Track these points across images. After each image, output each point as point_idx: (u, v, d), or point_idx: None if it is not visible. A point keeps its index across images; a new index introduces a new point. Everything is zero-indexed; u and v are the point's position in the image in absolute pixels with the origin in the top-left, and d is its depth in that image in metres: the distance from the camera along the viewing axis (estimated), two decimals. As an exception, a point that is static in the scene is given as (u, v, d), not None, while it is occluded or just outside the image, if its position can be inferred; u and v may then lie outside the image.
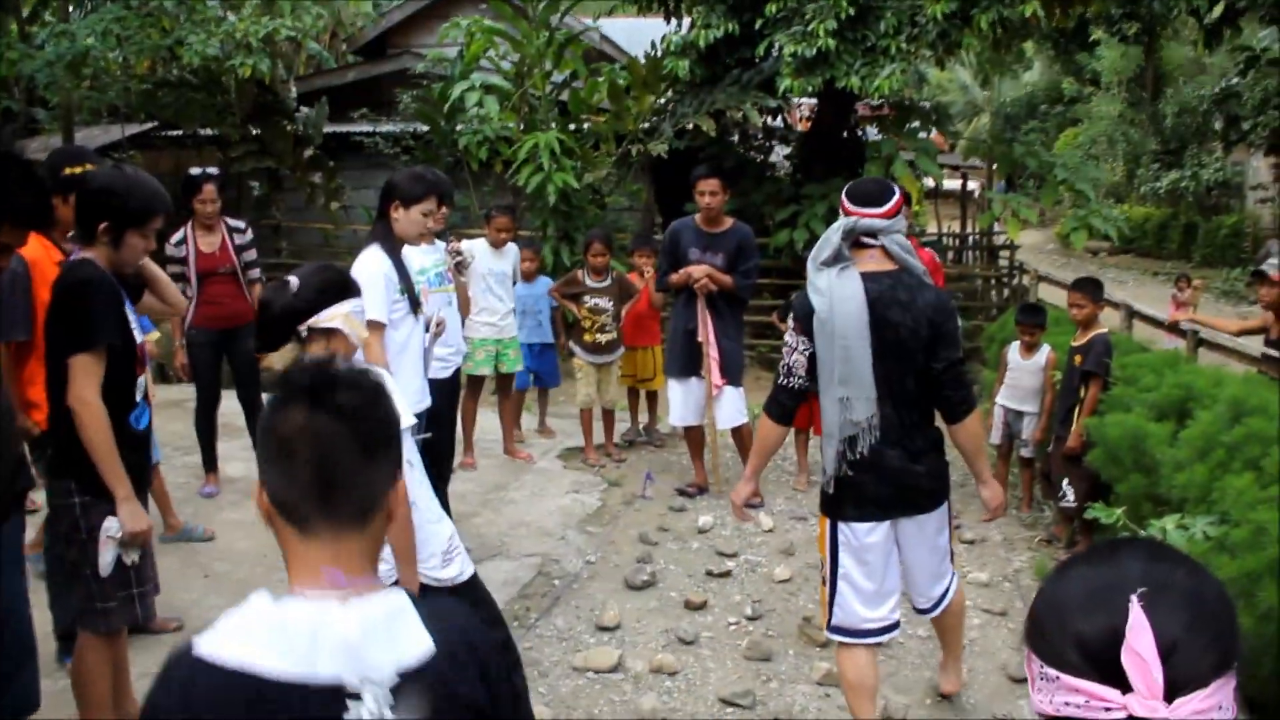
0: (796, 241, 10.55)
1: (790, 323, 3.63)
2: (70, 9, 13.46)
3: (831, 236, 3.52)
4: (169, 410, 7.61)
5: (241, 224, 6.40)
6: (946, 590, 3.88)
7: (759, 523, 6.20)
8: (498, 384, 7.46)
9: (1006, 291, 11.39)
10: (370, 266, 4.52)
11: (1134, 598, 1.17)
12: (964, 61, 38.79)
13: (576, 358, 7.54)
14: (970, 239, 13.48)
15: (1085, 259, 24.63)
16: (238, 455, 6.97)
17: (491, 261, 7.11)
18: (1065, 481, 6.12)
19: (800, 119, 12.75)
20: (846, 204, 3.56)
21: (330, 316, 2.98)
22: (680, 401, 6.82)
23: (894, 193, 3.57)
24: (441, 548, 3.20)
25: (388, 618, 1.45)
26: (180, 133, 13.05)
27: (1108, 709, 1.15)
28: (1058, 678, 1.18)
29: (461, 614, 1.61)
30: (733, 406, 6.72)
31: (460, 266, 5.64)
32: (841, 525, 3.60)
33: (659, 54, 10.61)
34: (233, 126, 11.93)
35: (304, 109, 12.47)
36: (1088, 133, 26.35)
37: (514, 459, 7.49)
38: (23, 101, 16.31)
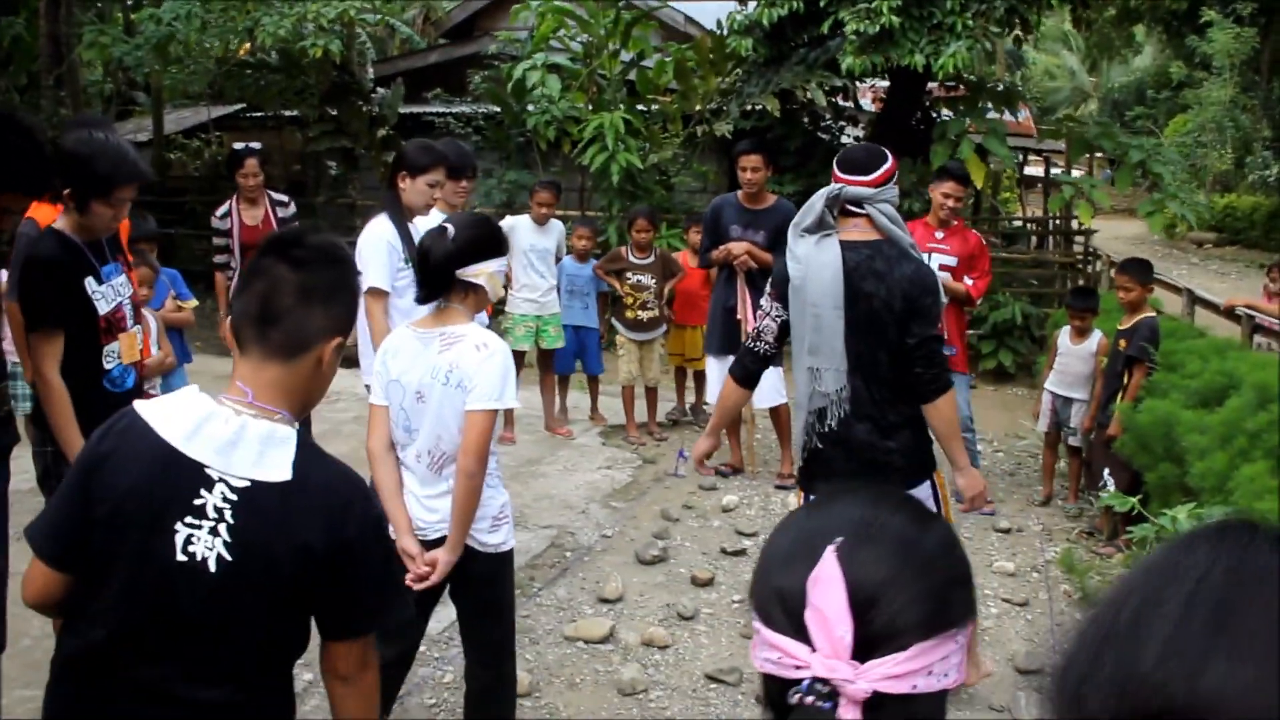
0: (864, 224, 10.34)
1: (767, 288, 3.57)
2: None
3: (815, 203, 3.44)
4: (219, 383, 7.87)
5: (285, 197, 6.56)
6: None
7: (786, 502, 6.14)
8: (539, 360, 7.50)
9: (1081, 279, 11.02)
10: (375, 235, 4.59)
11: (831, 546, 1.06)
12: (1073, 46, 37.76)
13: (619, 334, 7.53)
14: (1051, 224, 13.03)
15: (1189, 250, 23.73)
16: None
17: (534, 237, 7.15)
18: (1106, 471, 5.91)
19: (874, 99, 12.49)
20: (836, 171, 3.49)
21: (477, 272, 3.03)
22: (718, 379, 6.75)
23: (884, 161, 3.47)
24: (493, 512, 3.18)
25: (264, 439, 1.83)
26: (263, 114, 13.39)
27: (797, 667, 1.03)
28: (760, 631, 1.08)
29: (347, 482, 1.90)
30: (770, 386, 6.62)
31: None
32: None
33: (724, 33, 10.52)
34: (310, 107, 12.21)
35: (381, 90, 12.70)
36: (1196, 119, 25.26)
37: (554, 435, 7.53)
38: (123, 85, 16.94)
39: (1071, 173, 14.00)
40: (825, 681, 1.00)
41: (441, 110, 12.78)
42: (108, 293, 3.48)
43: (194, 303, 6.14)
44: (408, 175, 4.65)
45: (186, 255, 11.70)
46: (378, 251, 4.56)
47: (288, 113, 12.95)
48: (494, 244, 3.11)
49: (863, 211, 3.42)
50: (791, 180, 11.11)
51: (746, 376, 3.63)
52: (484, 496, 3.08)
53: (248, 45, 12.79)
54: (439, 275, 3.02)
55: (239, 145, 6.45)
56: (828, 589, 1.02)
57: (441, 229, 3.06)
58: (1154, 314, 6.03)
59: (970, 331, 10.64)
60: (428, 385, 3.01)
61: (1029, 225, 14.28)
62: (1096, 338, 6.50)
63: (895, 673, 1.00)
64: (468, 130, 12.36)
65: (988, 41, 9.18)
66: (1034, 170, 22.25)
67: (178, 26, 11.27)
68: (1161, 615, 0.67)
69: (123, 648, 1.79)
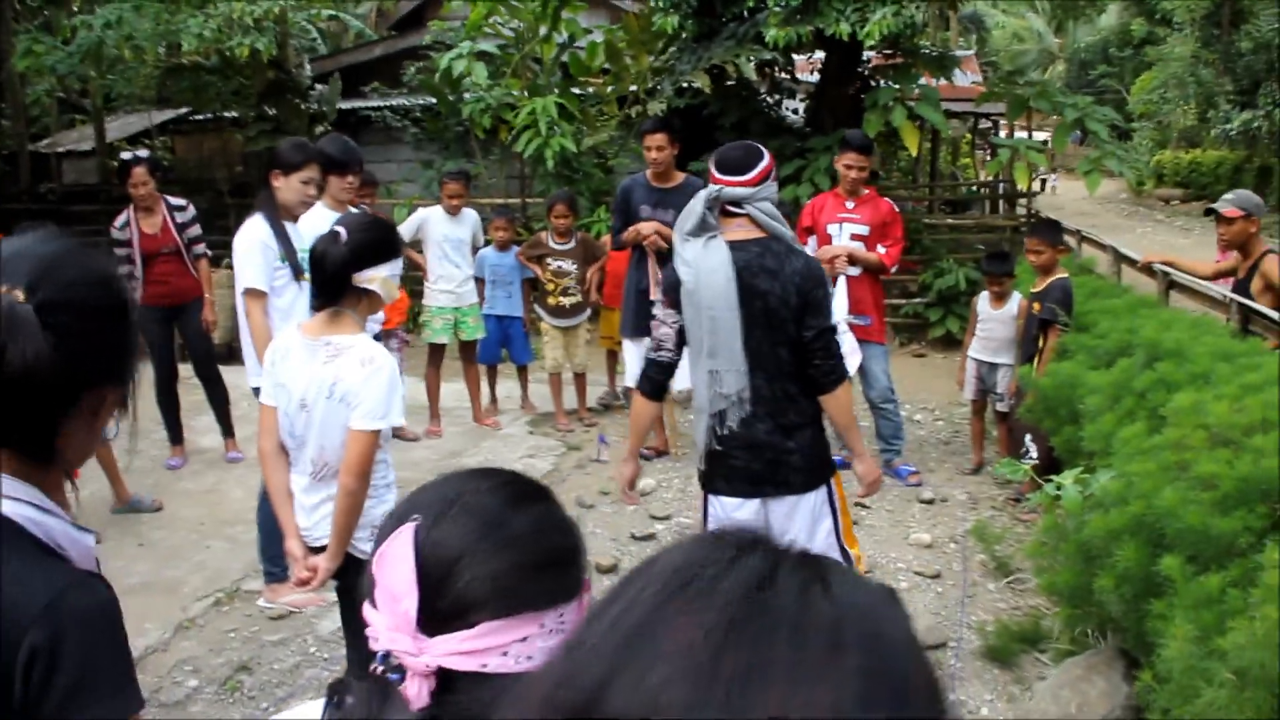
0: (801, 197, 10.23)
1: (659, 296, 3.53)
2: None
3: (695, 206, 3.41)
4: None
5: (182, 202, 6.49)
6: None
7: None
8: (461, 352, 7.43)
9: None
10: (250, 235, 4.55)
11: (410, 523, 1.07)
12: (1037, 8, 37.65)
13: (542, 321, 7.46)
14: (1001, 188, 12.94)
15: (1155, 206, 23.69)
16: (210, 428, 7.05)
17: (447, 228, 7.06)
18: (1028, 437, 5.85)
19: (812, 70, 12.38)
20: (713, 172, 3.45)
21: (371, 278, 2.99)
22: (635, 362, 6.70)
23: (761, 159, 3.43)
24: (374, 521, 3.13)
25: None
26: (205, 116, 13.26)
27: (374, 639, 1.05)
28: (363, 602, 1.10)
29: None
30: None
31: None
32: (712, 498, 3.52)
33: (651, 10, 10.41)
34: (248, 107, 12.09)
35: (319, 86, 12.58)
36: (1160, 76, 25.21)
37: (482, 426, 7.46)
38: (74, 94, 16.77)
39: (1014, 135, 13.88)
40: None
41: (379, 104, 12.67)
42: None
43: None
44: (281, 173, 4.59)
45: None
46: (253, 252, 4.51)
47: (228, 114, 12.82)
48: (388, 247, 3.08)
49: (743, 211, 3.40)
50: (730, 157, 11.03)
51: (655, 390, 3.59)
52: (366, 506, 3.06)
53: (184, 48, 12.65)
54: (334, 281, 2.98)
55: (125, 154, 6.39)
56: (394, 564, 1.04)
57: (334, 233, 3.00)
58: (1065, 275, 5.97)
59: (917, 300, 10.61)
60: (312, 397, 3.00)
61: (982, 190, 14.20)
62: (1016, 300, 6.43)
63: (461, 649, 1.00)
64: (405, 122, 12.27)
65: (914, 7, 9.08)
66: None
67: (108, 34, 11.14)
68: (599, 618, 0.62)
69: None
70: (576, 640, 0.62)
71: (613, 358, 7.98)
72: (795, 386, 3.42)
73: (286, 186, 4.58)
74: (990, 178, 12.69)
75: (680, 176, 6.55)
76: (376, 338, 5.58)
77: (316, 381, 2.98)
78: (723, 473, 3.45)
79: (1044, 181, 30.77)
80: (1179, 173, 25.14)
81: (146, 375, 5.99)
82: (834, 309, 6.29)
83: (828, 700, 0.52)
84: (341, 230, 3.01)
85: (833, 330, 3.47)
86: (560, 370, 7.44)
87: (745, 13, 9.86)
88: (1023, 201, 11.99)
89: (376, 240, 3.05)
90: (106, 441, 5.06)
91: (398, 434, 7.13)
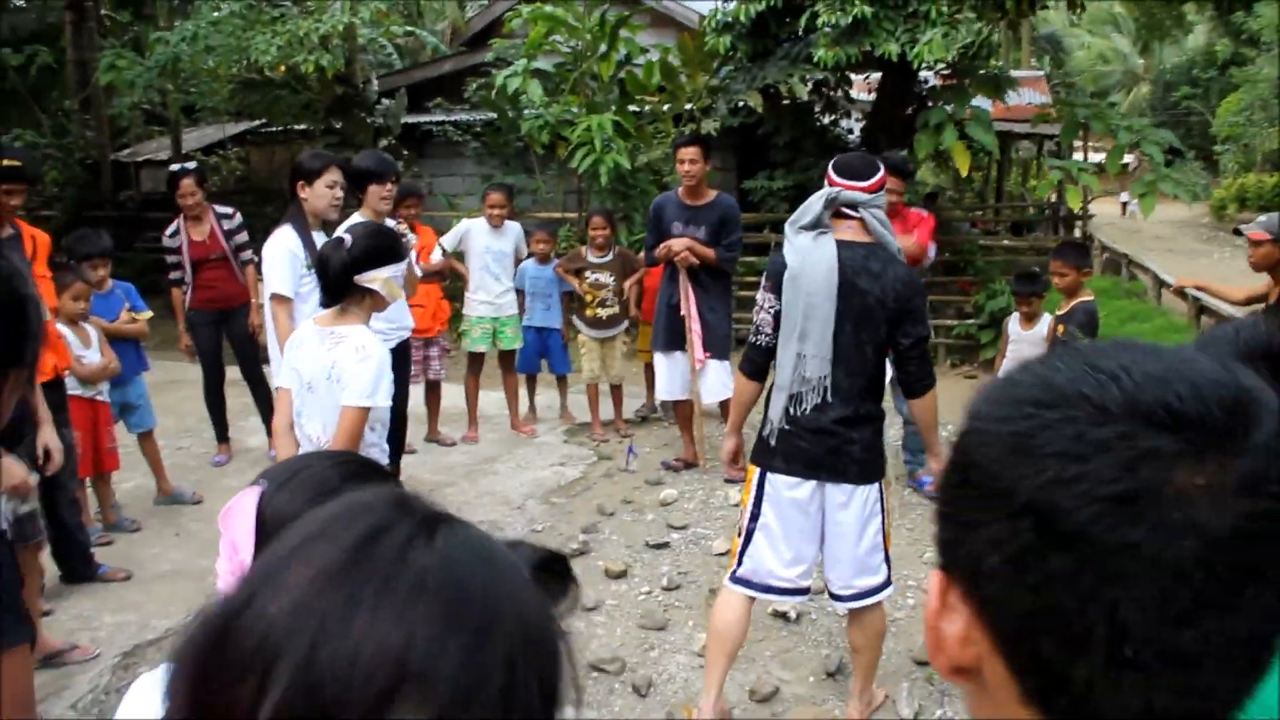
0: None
1: (763, 280, 3.71)
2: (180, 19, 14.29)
3: (814, 204, 3.59)
4: (175, 388, 8.22)
5: (230, 210, 6.75)
6: (873, 591, 3.73)
7: (728, 497, 6.16)
8: (500, 361, 7.60)
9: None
10: (278, 244, 4.76)
11: (257, 485, 1.26)
12: (1123, 29, 36.98)
13: (580, 333, 7.61)
14: (1062, 210, 12.80)
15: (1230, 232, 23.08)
16: (258, 428, 7.32)
17: (489, 240, 7.25)
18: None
19: (869, 90, 12.40)
20: (832, 175, 3.62)
21: (373, 278, 3.36)
22: (666, 376, 6.82)
23: (878, 170, 3.62)
24: None
25: None
26: (276, 129, 13.71)
27: (218, 584, 1.24)
28: None
29: None
30: (718, 380, 6.66)
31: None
32: (770, 475, 3.65)
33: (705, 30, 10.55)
34: (316, 121, 12.48)
35: (386, 101, 12.93)
36: (1247, 98, 24.63)
37: (519, 434, 7.62)
38: (158, 106, 17.41)
39: (1075, 156, 13.72)
40: None
41: (441, 119, 12.97)
42: None
43: (148, 314, 6.34)
44: (304, 183, 4.81)
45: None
46: (280, 260, 4.72)
47: (298, 126, 13.24)
48: (389, 252, 3.45)
49: (856, 215, 3.57)
50: (783, 175, 11.11)
51: (756, 371, 3.79)
52: None
53: (257, 63, 13.11)
54: (337, 282, 3.35)
55: (174, 167, 6.68)
56: (238, 520, 1.20)
57: (339, 239, 3.40)
58: (1090, 298, 5.93)
59: (970, 321, 10.55)
60: (317, 379, 3.35)
61: (1046, 212, 14.05)
62: (1046, 322, 6.40)
63: None
64: (466, 138, 12.54)
65: (965, 29, 9.09)
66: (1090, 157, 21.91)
67: (184, 49, 11.62)
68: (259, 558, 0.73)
69: None
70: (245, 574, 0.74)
71: (651, 371, 8.07)
72: (870, 385, 3.60)
73: (313, 194, 4.80)
74: (1045, 199, 12.54)
75: (712, 194, 6.65)
76: (408, 344, 5.80)
77: (320, 365, 3.34)
78: (783, 450, 3.60)
79: (1124, 205, 30.20)
80: (1262, 196, 24.51)
81: (196, 376, 6.28)
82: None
83: (398, 636, 0.62)
84: (346, 237, 3.41)
85: (927, 339, 3.66)
86: (597, 381, 7.57)
87: (799, 33, 9.94)
88: (1079, 224, 11.84)
89: (378, 246, 3.42)
90: (150, 433, 5.35)
91: (435, 439, 7.35)
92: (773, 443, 3.62)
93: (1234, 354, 1.20)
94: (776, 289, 3.60)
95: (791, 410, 3.56)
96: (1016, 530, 0.66)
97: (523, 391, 7.91)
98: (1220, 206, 24.73)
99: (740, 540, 3.72)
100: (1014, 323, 6.54)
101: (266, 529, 1.20)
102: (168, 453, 6.70)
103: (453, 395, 7.67)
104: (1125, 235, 22.19)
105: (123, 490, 6.18)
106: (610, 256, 7.52)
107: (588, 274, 7.51)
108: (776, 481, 3.62)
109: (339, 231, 4.89)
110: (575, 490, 6.44)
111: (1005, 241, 11.56)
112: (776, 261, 3.63)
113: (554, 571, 0.80)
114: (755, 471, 3.69)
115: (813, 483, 3.58)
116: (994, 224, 13.52)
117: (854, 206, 3.55)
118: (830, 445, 3.54)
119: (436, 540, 0.69)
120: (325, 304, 3.45)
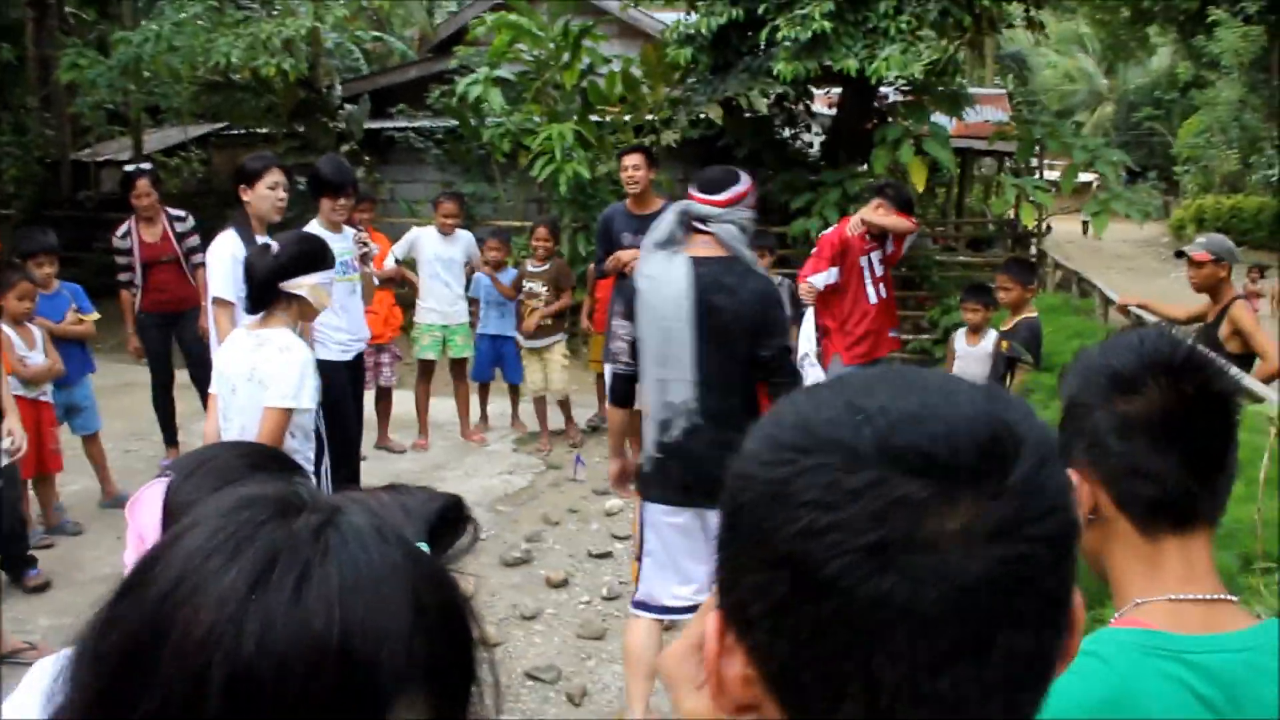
0: (812, 231, 10.36)
1: (616, 307, 3.69)
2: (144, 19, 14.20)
3: (668, 217, 3.56)
4: (122, 390, 8.17)
5: (182, 213, 6.74)
6: None
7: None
8: (451, 369, 7.60)
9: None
10: (221, 248, 4.77)
11: (164, 478, 1.34)
12: (1088, 48, 37.43)
13: (521, 345, 7.59)
14: (1018, 227, 12.94)
15: (1194, 252, 23.40)
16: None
17: (439, 248, 7.25)
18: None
19: (828, 104, 12.50)
20: (690, 189, 3.62)
21: (299, 284, 3.37)
22: (616, 387, 6.83)
23: (737, 182, 3.58)
24: None
25: None
26: (238, 131, 13.64)
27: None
28: None
29: None
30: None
31: (365, 257, 5.78)
32: (648, 504, 3.62)
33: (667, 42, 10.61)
34: (278, 124, 12.43)
35: (349, 106, 12.89)
36: (1206, 120, 25.01)
37: (469, 441, 7.62)
38: (121, 106, 17.28)
39: (1033, 174, 13.87)
40: None
41: (404, 125, 12.95)
42: None
43: (95, 315, 6.30)
44: (245, 186, 4.82)
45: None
46: (222, 263, 4.72)
47: (261, 129, 13.18)
48: (316, 259, 3.46)
49: (709, 230, 3.52)
50: (743, 188, 11.15)
51: (621, 398, 3.75)
52: None
53: (220, 65, 13.06)
54: (262, 287, 3.37)
55: (129, 167, 6.66)
56: (145, 509, 1.28)
57: (266, 246, 3.45)
58: (1034, 315, 6.02)
59: (924, 336, 10.65)
60: (240, 381, 3.37)
61: (1004, 229, 14.20)
62: (991, 337, 6.48)
63: None
64: (428, 144, 12.53)
65: (923, 46, 9.19)
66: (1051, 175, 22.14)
67: (147, 49, 11.53)
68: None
69: None
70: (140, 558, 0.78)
71: (602, 381, 8.08)
72: (741, 404, 3.50)
73: (255, 196, 4.81)
74: (1003, 216, 12.69)
75: (659, 202, 6.67)
76: (362, 356, 5.78)
77: (243, 367, 3.36)
78: (658, 479, 3.55)
79: (1085, 223, 30.53)
80: (1219, 218, 24.88)
81: (147, 379, 6.24)
82: (804, 341, 6.40)
83: (306, 619, 0.61)
84: (274, 244, 3.45)
85: (789, 349, 3.61)
86: (541, 393, 7.57)
87: (760, 46, 10.01)
88: (1034, 241, 11.99)
89: (304, 253, 3.45)
90: (95, 435, 5.34)
91: (385, 446, 7.34)
92: (647, 470, 3.58)
93: (1138, 362, 1.23)
94: (630, 315, 3.54)
95: (661, 438, 3.48)
96: (775, 580, 0.64)
97: (475, 399, 7.89)
98: (1179, 226, 25.10)
99: (637, 566, 3.73)
100: (960, 338, 6.62)
101: (173, 518, 1.23)
102: (116, 455, 6.66)
103: (404, 402, 7.65)
104: (1087, 254, 22.43)
105: (68, 493, 6.14)
106: (546, 266, 7.51)
107: (525, 283, 7.50)
108: (655, 510, 3.59)
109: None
110: (522, 499, 6.45)
111: (961, 257, 11.68)
112: (626, 288, 3.59)
113: (450, 519, 0.81)
114: (638, 500, 3.68)
115: (690, 511, 3.53)
116: (954, 239, 13.63)
117: (705, 221, 3.50)
118: (705, 472, 3.36)
119: (334, 528, 0.68)
120: (250, 310, 3.45)
